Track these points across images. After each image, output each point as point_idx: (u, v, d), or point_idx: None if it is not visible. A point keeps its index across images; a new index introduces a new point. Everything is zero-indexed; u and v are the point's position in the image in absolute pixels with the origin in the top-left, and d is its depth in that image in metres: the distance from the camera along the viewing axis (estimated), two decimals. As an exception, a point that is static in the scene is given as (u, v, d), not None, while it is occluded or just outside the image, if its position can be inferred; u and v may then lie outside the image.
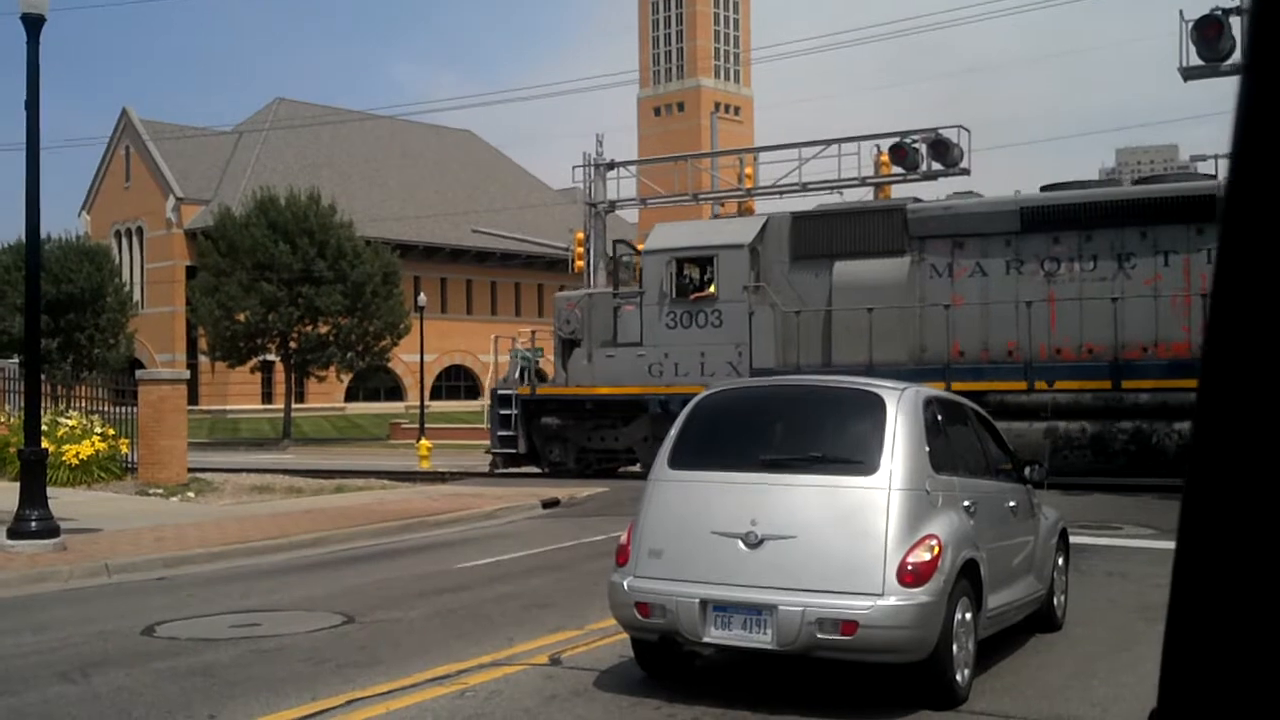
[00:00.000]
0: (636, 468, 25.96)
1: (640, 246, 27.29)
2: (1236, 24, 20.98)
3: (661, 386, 24.86)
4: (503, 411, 27.07)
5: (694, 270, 25.23)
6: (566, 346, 26.90)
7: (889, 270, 23.31)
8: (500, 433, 27.18)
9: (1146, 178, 22.84)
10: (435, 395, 64.61)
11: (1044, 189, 23.32)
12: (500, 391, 27.42)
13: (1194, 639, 1.30)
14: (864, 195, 27.95)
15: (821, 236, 24.20)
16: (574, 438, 26.48)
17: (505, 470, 27.48)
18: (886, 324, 22.93)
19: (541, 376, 28.87)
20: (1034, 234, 22.34)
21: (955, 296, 22.83)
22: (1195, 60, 21.57)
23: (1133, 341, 21.39)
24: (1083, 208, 22.04)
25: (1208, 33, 20.99)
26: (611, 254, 29.25)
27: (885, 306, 22.91)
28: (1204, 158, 24.56)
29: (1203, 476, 1.30)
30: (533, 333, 29.77)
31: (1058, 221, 22.22)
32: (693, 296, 24.98)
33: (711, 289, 24.83)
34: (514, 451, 27.08)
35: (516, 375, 27.83)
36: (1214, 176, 22.51)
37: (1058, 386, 21.49)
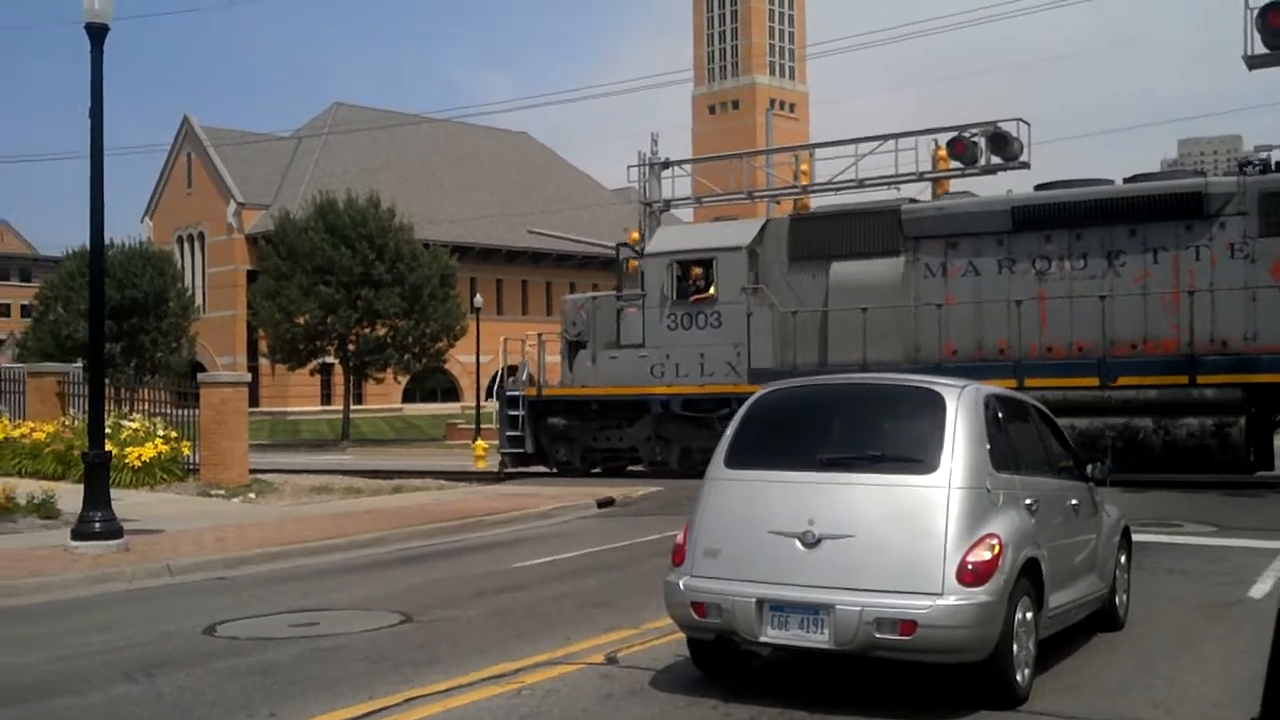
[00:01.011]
0: (641, 466, 26.17)
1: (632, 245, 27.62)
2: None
3: (663, 387, 25.17)
4: (510, 412, 27.26)
5: (695, 272, 25.38)
6: (573, 348, 27.24)
7: (884, 270, 23.49)
8: (508, 433, 27.37)
9: (1136, 176, 22.70)
10: (491, 396, 64.84)
11: (1037, 188, 23.35)
12: (508, 393, 27.57)
13: None
14: (922, 190, 27.65)
15: (818, 238, 24.39)
16: (580, 438, 26.69)
17: (514, 470, 27.59)
18: (881, 324, 23.07)
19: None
20: (1025, 233, 22.45)
21: (948, 296, 22.99)
22: (1260, 49, 21.16)
23: (1122, 339, 21.43)
24: (1073, 206, 22.08)
25: (1273, 20, 20.59)
26: (616, 256, 29.41)
27: (880, 306, 23.07)
28: (1269, 147, 24.09)
29: None
30: (540, 335, 29.89)
31: (1049, 220, 22.28)
32: (693, 298, 25.20)
33: (711, 291, 25.03)
34: (522, 451, 27.25)
35: (524, 376, 27.96)
36: (1203, 174, 22.40)
37: (1047, 384, 21.26)
